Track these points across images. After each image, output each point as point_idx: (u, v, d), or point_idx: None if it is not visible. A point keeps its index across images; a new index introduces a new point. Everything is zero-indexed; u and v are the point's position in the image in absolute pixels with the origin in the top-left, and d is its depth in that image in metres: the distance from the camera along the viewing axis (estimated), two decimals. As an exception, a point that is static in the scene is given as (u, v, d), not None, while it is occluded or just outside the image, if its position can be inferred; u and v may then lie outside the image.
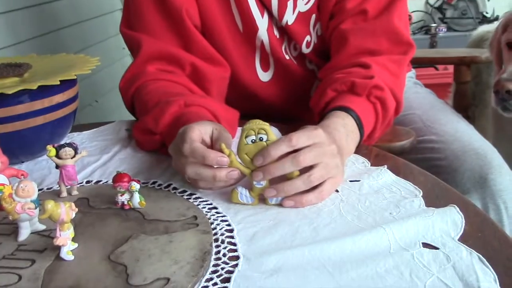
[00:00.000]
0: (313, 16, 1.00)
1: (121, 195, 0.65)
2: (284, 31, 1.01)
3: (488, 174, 0.97)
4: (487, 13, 3.34)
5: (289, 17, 0.99)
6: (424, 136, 1.10)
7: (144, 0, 0.96)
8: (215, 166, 0.66)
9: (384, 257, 0.54)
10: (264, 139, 0.64)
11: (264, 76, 1.08)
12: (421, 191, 0.68)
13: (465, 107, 1.53)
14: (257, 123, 0.64)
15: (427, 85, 1.39)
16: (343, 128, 0.77)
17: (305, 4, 0.99)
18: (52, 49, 1.57)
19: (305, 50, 1.03)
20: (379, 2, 0.94)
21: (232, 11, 1.00)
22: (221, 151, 0.65)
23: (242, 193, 0.66)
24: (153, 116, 0.83)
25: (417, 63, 1.63)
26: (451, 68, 1.61)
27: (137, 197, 0.64)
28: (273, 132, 0.65)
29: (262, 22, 1.00)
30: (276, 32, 1.01)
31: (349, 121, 0.80)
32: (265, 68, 1.07)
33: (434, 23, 3.41)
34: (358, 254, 0.55)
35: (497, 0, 3.31)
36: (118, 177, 0.65)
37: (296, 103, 1.10)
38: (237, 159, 0.66)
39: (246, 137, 0.64)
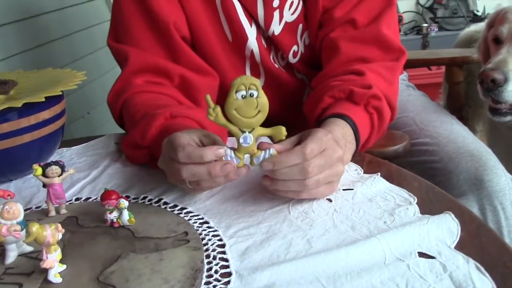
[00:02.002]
0: (300, 26, 0.99)
1: (109, 213, 0.63)
2: (271, 41, 1.01)
3: (484, 176, 0.96)
4: (477, 11, 3.34)
5: (276, 28, 0.98)
6: (418, 139, 1.09)
7: (131, 12, 0.95)
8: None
9: (379, 269, 0.53)
10: (255, 95, 0.61)
11: None
12: (415, 198, 0.66)
13: (459, 107, 1.52)
14: (248, 78, 0.61)
15: (421, 85, 1.38)
16: (342, 139, 0.76)
17: (292, 14, 0.98)
18: (42, 63, 1.56)
19: (292, 60, 1.02)
20: (368, 11, 0.94)
21: (221, 21, 0.99)
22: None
23: (227, 153, 0.64)
24: (140, 129, 0.82)
25: (409, 65, 1.62)
26: (444, 68, 1.61)
27: (126, 215, 0.63)
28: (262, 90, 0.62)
29: (251, 31, 0.99)
30: (263, 42, 1.01)
31: (348, 130, 0.79)
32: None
33: (426, 23, 3.41)
34: (353, 266, 0.53)
35: (487, -2, 3.32)
36: (106, 195, 0.63)
37: (287, 111, 1.08)
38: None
39: (236, 92, 0.61)
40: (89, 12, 1.94)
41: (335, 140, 0.68)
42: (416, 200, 0.66)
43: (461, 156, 0.99)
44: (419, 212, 0.63)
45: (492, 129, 1.45)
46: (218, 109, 0.62)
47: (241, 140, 0.64)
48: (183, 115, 0.81)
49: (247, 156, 0.65)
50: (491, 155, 1.00)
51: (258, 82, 0.62)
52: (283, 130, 0.64)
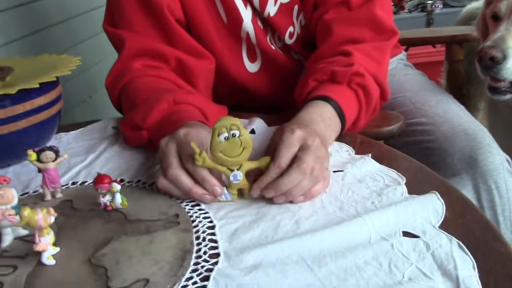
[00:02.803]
0: (296, 6, 0.99)
1: (103, 197, 0.65)
2: (267, 22, 1.00)
3: (478, 155, 0.96)
4: (483, -13, 3.29)
5: (271, 9, 0.98)
6: (414, 119, 1.09)
7: None
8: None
9: (364, 248, 0.54)
10: (237, 135, 0.63)
11: (252, 67, 1.07)
12: (404, 178, 0.67)
13: (459, 86, 1.52)
14: (228, 120, 0.63)
15: (424, 63, 1.37)
16: (319, 117, 0.76)
17: None
18: (42, 48, 1.57)
19: (288, 41, 1.02)
20: None
21: (216, 3, 0.99)
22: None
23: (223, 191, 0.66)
24: (141, 112, 0.82)
25: (409, 43, 1.61)
26: (447, 46, 1.60)
27: (118, 198, 0.64)
28: (244, 128, 0.63)
29: (246, 13, 0.99)
30: (259, 23, 1.01)
31: (327, 109, 0.79)
32: (252, 59, 1.06)
33: (430, 0, 3.37)
34: (338, 246, 0.54)
35: (493, -26, 3.27)
36: (98, 179, 0.65)
37: (285, 92, 1.09)
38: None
39: (218, 135, 0.62)
40: (88, -5, 1.93)
41: (306, 127, 0.68)
42: (404, 180, 0.67)
43: (456, 136, 1.00)
44: (406, 192, 0.64)
45: (491, 107, 1.45)
46: (204, 153, 0.63)
47: (231, 178, 0.65)
48: (186, 102, 0.82)
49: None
50: (486, 134, 1.00)
51: (239, 121, 0.63)
52: (269, 160, 0.65)
